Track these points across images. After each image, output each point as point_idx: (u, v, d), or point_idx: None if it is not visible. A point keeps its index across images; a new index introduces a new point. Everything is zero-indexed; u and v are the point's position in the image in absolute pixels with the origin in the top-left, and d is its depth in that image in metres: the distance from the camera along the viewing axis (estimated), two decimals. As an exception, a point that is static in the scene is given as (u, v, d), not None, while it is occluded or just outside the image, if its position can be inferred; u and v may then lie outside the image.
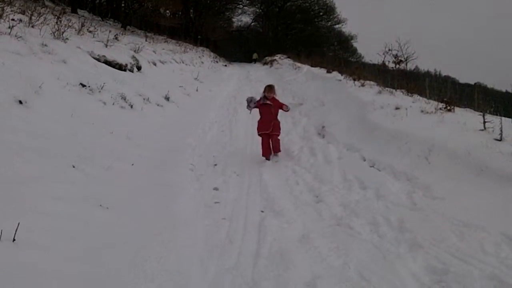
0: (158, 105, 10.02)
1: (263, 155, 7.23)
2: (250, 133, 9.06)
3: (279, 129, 7.45)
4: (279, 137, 7.42)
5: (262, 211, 5.00)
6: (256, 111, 7.62)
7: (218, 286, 3.36)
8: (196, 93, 14.04)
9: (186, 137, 8.33)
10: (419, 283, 3.37)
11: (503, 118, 7.13)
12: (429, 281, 3.39)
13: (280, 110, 7.51)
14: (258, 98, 7.53)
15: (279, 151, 7.33)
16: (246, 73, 24.85)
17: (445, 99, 9.21)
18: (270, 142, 7.26)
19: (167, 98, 10.86)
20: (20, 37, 7.58)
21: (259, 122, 7.44)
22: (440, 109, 8.64)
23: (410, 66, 15.29)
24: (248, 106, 7.55)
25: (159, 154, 6.78)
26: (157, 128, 8.35)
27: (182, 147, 7.60)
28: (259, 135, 7.40)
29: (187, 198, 5.27)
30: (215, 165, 6.90)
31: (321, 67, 18.92)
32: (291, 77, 18.51)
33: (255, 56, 40.90)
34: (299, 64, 22.44)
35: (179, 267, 3.53)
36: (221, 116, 11.29)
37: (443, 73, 42.34)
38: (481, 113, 7.36)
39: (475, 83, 12.62)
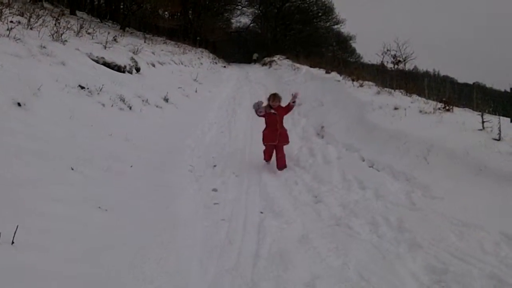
0: (157, 106, 10.01)
1: (264, 159, 7.04)
2: (249, 134, 9.06)
3: (287, 137, 7.05)
4: (285, 148, 6.99)
5: (262, 212, 5.00)
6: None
7: (217, 287, 3.35)
8: (195, 94, 14.04)
9: (185, 138, 8.33)
10: (419, 283, 3.38)
11: (501, 117, 7.14)
12: (429, 281, 3.40)
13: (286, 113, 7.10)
14: (262, 103, 7.04)
15: (285, 167, 6.83)
16: (245, 74, 24.87)
17: (443, 99, 9.22)
18: (274, 151, 6.96)
19: (166, 100, 10.86)
20: (19, 39, 7.58)
21: (264, 132, 7.04)
22: (439, 109, 8.65)
23: (409, 66, 15.31)
24: (257, 113, 7.02)
25: (158, 155, 6.77)
26: (156, 130, 8.35)
27: (181, 148, 7.60)
28: (264, 145, 7.05)
29: (186, 199, 5.27)
30: (214, 166, 6.89)
31: (320, 67, 18.90)
32: (290, 78, 18.51)
33: (255, 56, 41.07)
34: (298, 65, 22.43)
35: (178, 268, 3.54)
36: (220, 117, 11.28)
37: (442, 73, 42.38)
38: (480, 113, 7.37)
39: (473, 83, 12.66)
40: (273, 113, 6.93)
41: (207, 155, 7.50)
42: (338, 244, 4.10)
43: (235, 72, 26.31)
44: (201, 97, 13.99)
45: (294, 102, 7.05)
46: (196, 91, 14.33)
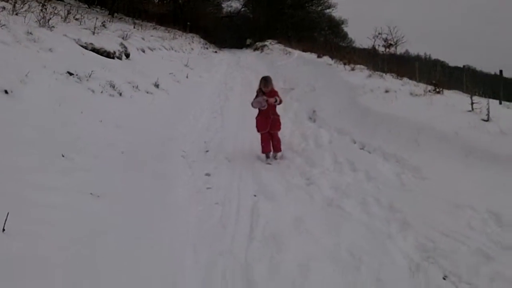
0: (147, 92, 9.93)
1: (262, 152, 6.67)
2: (241, 119, 9.03)
3: (279, 124, 6.81)
4: (279, 133, 6.83)
5: (255, 195, 5.02)
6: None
7: (211, 270, 3.37)
8: (186, 80, 13.94)
9: (177, 124, 8.31)
10: (409, 260, 3.46)
11: (490, 100, 7.22)
12: (419, 258, 3.48)
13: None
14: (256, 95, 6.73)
15: (280, 150, 6.72)
16: (237, 59, 24.72)
17: (434, 82, 9.29)
18: (271, 139, 6.75)
19: (156, 86, 10.77)
20: (4, 25, 7.47)
21: (257, 118, 6.77)
22: (429, 91, 8.72)
23: (400, 50, 15.39)
24: (262, 106, 6.67)
25: (150, 141, 6.75)
26: (148, 116, 8.30)
27: (173, 134, 7.58)
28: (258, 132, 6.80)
29: (179, 185, 5.28)
30: (207, 151, 6.89)
31: (312, 52, 18.91)
32: (282, 62, 18.48)
33: (248, 41, 41.01)
34: (290, 49, 22.39)
35: (172, 253, 3.55)
36: (212, 103, 11.25)
37: (433, 57, 42.70)
38: (469, 95, 7.44)
39: (464, 66, 12.68)
40: (266, 99, 6.63)
41: (200, 141, 7.50)
42: (330, 225, 4.15)
43: (227, 57, 26.12)
44: (192, 83, 13.90)
45: (276, 101, 6.66)
46: (187, 77, 14.23)
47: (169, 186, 5.11)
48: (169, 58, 16.03)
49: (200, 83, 14.25)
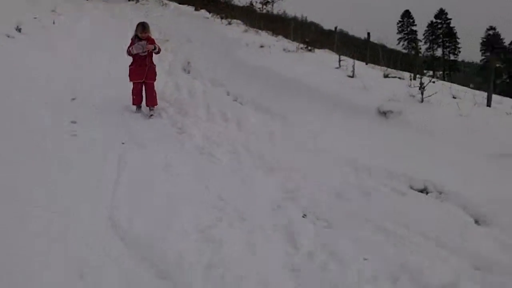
0: (8, 36, 8.86)
1: (133, 104, 6.24)
2: (112, 68, 8.54)
3: (155, 74, 6.40)
4: (155, 84, 6.39)
5: (123, 143, 4.84)
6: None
7: (74, 216, 3.19)
8: (53, 26, 12.73)
9: (40, 71, 7.55)
10: (271, 200, 3.65)
11: (357, 61, 7.78)
12: (281, 198, 3.70)
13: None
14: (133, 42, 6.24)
15: (156, 104, 6.22)
16: (110, 8, 23.17)
17: (306, 40, 9.71)
18: (144, 89, 6.29)
19: (19, 30, 9.66)
20: None
21: (131, 67, 6.26)
22: (301, 48, 9.09)
23: (278, 9, 15.73)
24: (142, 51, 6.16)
25: (10, 87, 6.07)
26: (8, 61, 7.43)
27: (37, 81, 6.88)
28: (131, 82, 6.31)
29: (42, 132, 4.84)
30: (73, 99, 6.41)
31: (188, 4, 18.48)
32: (158, 14, 17.76)
33: None
34: (166, 1, 21.60)
35: (34, 200, 3.27)
36: (80, 49, 10.42)
37: (309, 19, 44.59)
38: (338, 54, 7.93)
39: (335, 27, 13.36)
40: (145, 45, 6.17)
41: (66, 88, 6.91)
42: (200, 171, 4.21)
43: (100, 6, 24.32)
44: (60, 30, 12.71)
45: (155, 49, 6.28)
46: (54, 23, 13.03)
47: (30, 134, 4.66)
48: (32, 1, 14.50)
49: (69, 30, 13.11)
